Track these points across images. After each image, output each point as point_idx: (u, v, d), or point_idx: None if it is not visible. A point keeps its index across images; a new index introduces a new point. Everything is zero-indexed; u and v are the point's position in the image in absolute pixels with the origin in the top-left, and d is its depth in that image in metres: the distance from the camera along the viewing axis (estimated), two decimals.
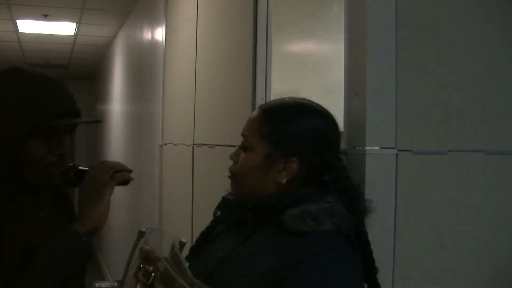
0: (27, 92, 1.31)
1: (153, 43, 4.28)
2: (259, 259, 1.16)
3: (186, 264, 1.18)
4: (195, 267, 1.30)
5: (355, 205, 1.21)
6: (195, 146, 2.89)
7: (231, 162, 1.29)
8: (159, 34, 3.95)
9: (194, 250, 1.37)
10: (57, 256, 1.25)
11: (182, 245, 1.23)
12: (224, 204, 1.33)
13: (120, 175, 1.34)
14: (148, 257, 1.18)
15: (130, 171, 1.37)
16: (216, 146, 2.49)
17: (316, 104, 1.28)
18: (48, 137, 1.33)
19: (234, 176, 1.29)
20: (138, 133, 4.95)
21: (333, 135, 1.26)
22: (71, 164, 1.41)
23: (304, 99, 1.29)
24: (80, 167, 1.40)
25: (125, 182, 1.36)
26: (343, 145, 1.41)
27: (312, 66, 2.13)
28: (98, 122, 1.59)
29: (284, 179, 1.22)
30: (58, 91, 1.35)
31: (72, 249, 1.27)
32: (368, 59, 1.34)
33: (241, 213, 1.27)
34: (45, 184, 1.39)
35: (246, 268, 1.17)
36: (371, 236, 1.26)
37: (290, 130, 1.22)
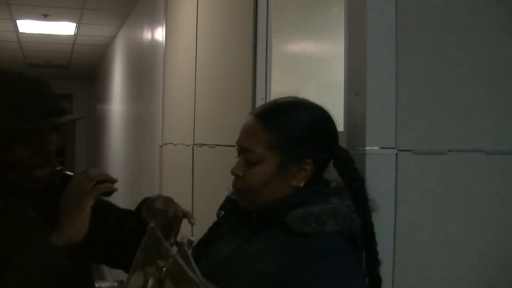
0: (4, 96, 1.28)
1: (153, 43, 4.28)
2: (261, 260, 1.16)
3: (194, 263, 1.18)
4: (198, 268, 1.30)
5: (362, 197, 1.20)
6: (195, 146, 2.89)
7: (231, 162, 1.28)
8: (159, 34, 3.96)
9: (197, 250, 1.37)
10: (30, 269, 1.21)
11: (190, 243, 1.22)
12: (228, 204, 1.32)
13: (103, 186, 1.29)
14: (159, 252, 1.19)
15: (114, 181, 1.32)
16: (216, 146, 2.49)
17: (306, 100, 1.27)
18: (31, 139, 1.29)
19: (247, 191, 1.23)
20: (138, 133, 4.95)
21: (333, 128, 1.25)
22: (58, 168, 1.37)
23: (294, 97, 1.27)
24: (67, 172, 1.36)
25: (107, 193, 1.31)
26: (343, 145, 1.41)
27: (312, 66, 2.13)
28: (80, 118, 1.52)
29: (302, 182, 1.20)
30: (37, 91, 1.31)
31: (46, 262, 1.22)
32: (368, 59, 1.34)
33: (245, 214, 1.27)
34: (32, 187, 1.36)
35: (248, 269, 1.17)
36: None
37: (296, 132, 1.19)
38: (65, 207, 1.28)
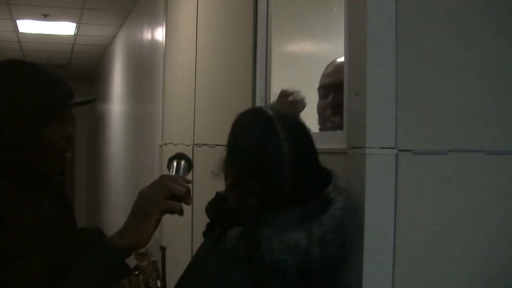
0: (35, 80, 1.33)
1: (153, 43, 4.28)
2: (208, 263, 1.19)
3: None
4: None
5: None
6: (195, 146, 2.89)
7: None
8: (159, 34, 3.96)
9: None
10: (94, 272, 1.17)
11: (163, 249, 1.25)
12: (215, 199, 1.34)
13: (173, 205, 1.25)
14: None
15: (187, 202, 1.27)
16: (216, 146, 2.49)
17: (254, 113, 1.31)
18: (59, 121, 1.33)
19: None
20: (138, 133, 4.95)
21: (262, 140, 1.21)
22: (177, 153, 1.38)
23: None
24: (174, 163, 1.35)
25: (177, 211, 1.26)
26: (343, 145, 1.41)
27: (312, 66, 2.13)
28: (94, 99, 1.59)
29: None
30: (56, 77, 1.37)
31: (110, 266, 1.19)
32: (368, 59, 1.34)
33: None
34: (58, 171, 1.38)
35: (201, 271, 1.20)
36: (371, 236, 1.26)
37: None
38: (135, 208, 1.23)
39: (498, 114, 1.44)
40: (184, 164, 1.34)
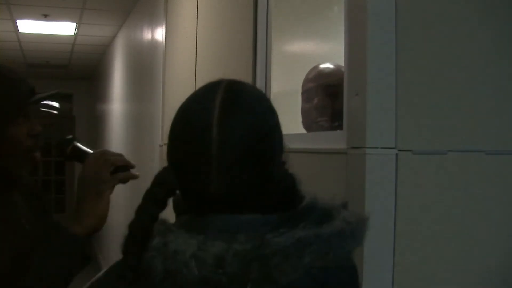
0: None
1: (153, 43, 4.28)
2: None
3: None
4: None
5: None
6: None
7: None
8: (159, 34, 3.96)
9: None
10: (56, 262, 1.19)
11: None
12: None
13: (123, 174, 1.27)
14: None
15: (132, 167, 1.30)
16: None
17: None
18: (24, 119, 1.30)
19: None
20: (138, 133, 4.95)
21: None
22: (69, 137, 1.35)
23: None
24: (78, 144, 1.34)
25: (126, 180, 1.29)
26: (343, 145, 1.41)
27: (312, 66, 2.13)
28: (58, 92, 1.54)
29: None
30: (15, 75, 1.33)
31: (71, 253, 1.20)
32: (368, 59, 1.34)
33: None
34: (27, 171, 1.35)
35: None
36: (371, 236, 1.25)
37: None
38: (83, 193, 1.24)
39: (498, 114, 1.44)
40: (81, 144, 1.35)
